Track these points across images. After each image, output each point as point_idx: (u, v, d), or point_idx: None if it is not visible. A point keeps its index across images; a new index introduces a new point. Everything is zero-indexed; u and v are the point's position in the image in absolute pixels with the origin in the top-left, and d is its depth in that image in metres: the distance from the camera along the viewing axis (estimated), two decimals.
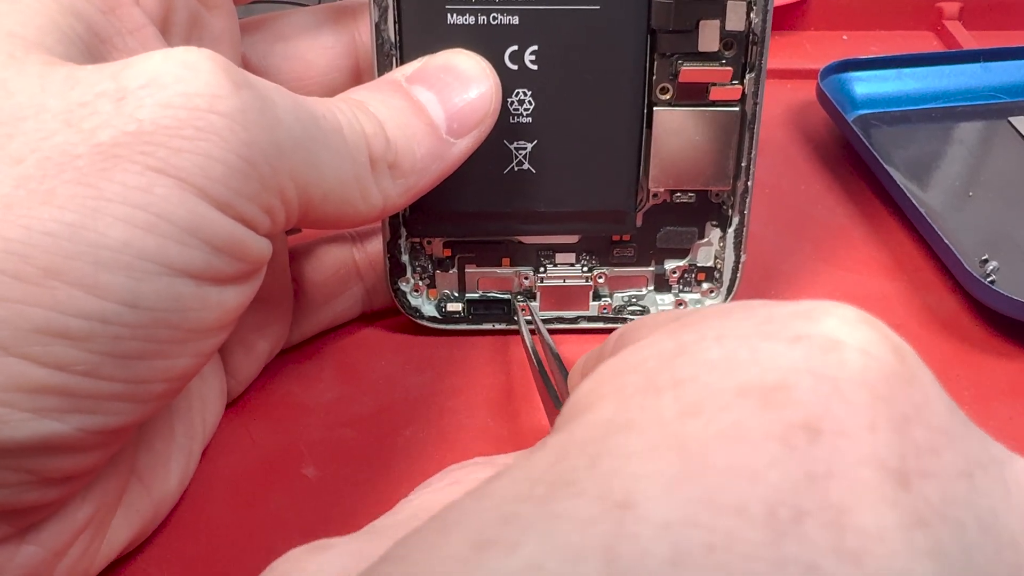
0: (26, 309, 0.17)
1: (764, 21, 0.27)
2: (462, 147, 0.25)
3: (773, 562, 0.11)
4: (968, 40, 0.47)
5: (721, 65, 0.27)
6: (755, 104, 0.28)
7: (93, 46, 0.21)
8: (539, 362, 0.27)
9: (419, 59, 0.26)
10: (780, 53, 0.47)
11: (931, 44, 0.48)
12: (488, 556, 0.12)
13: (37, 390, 0.18)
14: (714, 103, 0.28)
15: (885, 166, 0.36)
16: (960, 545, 0.12)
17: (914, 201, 0.34)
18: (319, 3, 0.37)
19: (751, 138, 0.28)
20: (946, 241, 0.32)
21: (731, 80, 0.28)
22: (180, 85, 0.19)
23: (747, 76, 0.28)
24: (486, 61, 0.26)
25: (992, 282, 0.32)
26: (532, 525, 0.12)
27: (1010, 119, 0.41)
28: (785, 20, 0.49)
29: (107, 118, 0.18)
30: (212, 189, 0.19)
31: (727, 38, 0.27)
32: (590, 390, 0.15)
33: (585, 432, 0.14)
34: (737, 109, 0.28)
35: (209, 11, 0.25)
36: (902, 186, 0.35)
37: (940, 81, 0.42)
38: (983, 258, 0.33)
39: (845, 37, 0.49)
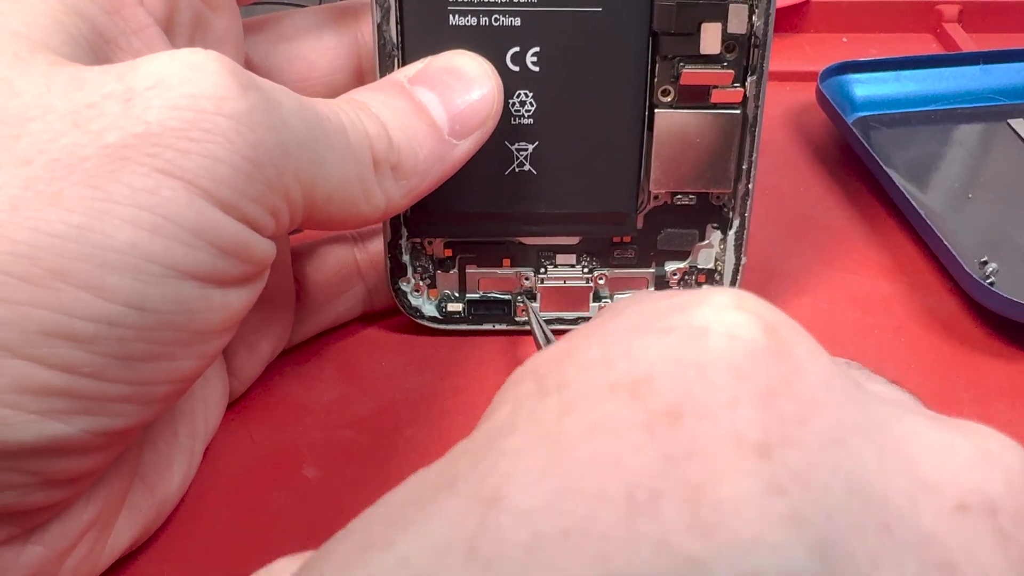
0: (32, 311, 0.17)
1: (766, 24, 0.27)
2: (464, 148, 0.25)
3: (624, 540, 0.12)
4: (967, 42, 0.47)
5: (723, 68, 0.27)
6: (756, 107, 0.28)
7: (97, 46, 0.21)
8: None
9: (421, 60, 0.26)
10: (780, 55, 0.47)
11: (930, 47, 0.48)
12: (367, 556, 0.13)
13: (43, 392, 0.18)
14: (715, 106, 0.28)
15: (885, 168, 0.36)
16: (822, 509, 0.12)
17: (914, 203, 0.34)
18: (320, 3, 0.37)
19: (752, 141, 0.28)
20: (946, 243, 0.32)
21: (732, 83, 0.28)
22: (186, 87, 0.19)
23: (749, 79, 0.28)
24: (488, 62, 0.26)
25: (991, 284, 0.32)
26: (410, 524, 0.13)
27: (1009, 121, 0.41)
28: (785, 22, 0.49)
29: (115, 119, 0.18)
30: (218, 191, 0.19)
31: (729, 41, 0.27)
32: (497, 396, 0.15)
33: (481, 437, 0.14)
34: (739, 112, 0.28)
35: (213, 11, 0.25)
36: (902, 188, 0.35)
37: (939, 83, 0.42)
38: (982, 260, 0.33)
39: (845, 39, 0.49)
